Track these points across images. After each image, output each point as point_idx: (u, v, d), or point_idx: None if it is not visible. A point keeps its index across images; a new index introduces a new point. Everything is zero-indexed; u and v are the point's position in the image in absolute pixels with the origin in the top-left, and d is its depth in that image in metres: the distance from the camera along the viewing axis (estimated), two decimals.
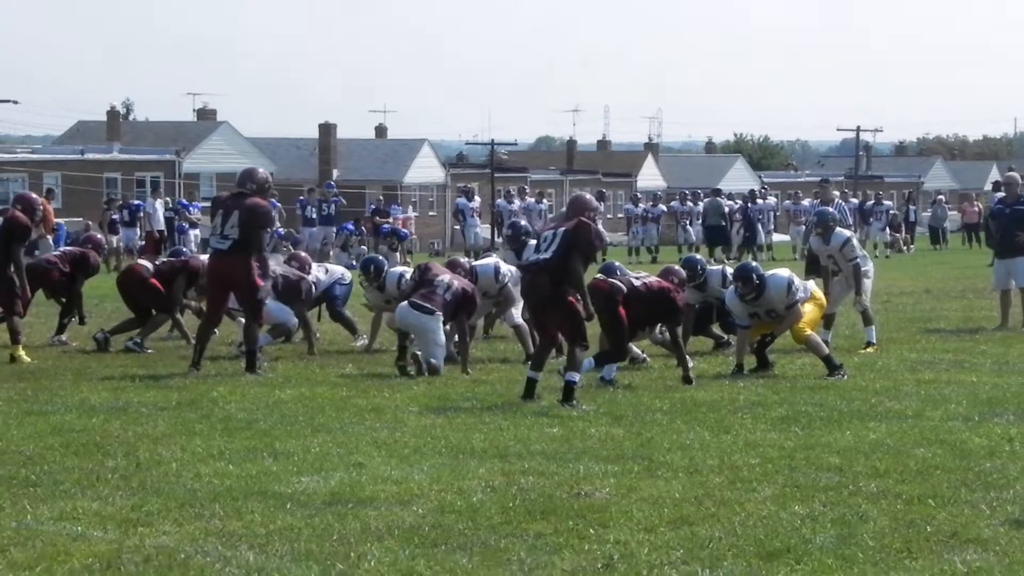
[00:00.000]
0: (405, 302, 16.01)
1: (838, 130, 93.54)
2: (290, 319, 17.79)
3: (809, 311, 15.76)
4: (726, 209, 46.38)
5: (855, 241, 17.78)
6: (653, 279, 15.43)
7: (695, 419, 12.37)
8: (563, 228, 13.73)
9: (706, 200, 48.14)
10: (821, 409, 12.78)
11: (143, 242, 44.35)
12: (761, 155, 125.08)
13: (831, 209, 20.45)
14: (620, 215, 63.80)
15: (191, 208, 45.30)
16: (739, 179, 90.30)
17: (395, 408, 13.09)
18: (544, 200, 51.20)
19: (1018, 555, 7.79)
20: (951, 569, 7.52)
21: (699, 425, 12.05)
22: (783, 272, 15.90)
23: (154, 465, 10.42)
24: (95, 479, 9.90)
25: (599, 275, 15.40)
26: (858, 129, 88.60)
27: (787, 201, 48.58)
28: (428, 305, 15.74)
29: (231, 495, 9.37)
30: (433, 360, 15.61)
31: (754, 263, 16.89)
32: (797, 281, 15.74)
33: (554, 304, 13.66)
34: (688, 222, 49.34)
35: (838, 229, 17.79)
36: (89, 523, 8.61)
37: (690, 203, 49.67)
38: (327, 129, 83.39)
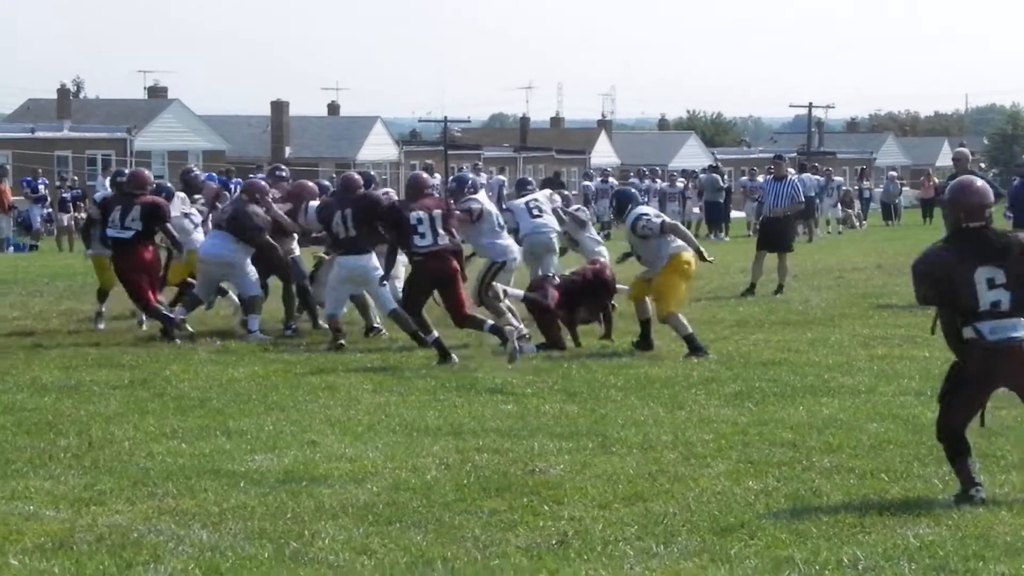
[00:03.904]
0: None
1: (790, 106, 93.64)
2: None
3: (674, 287, 15.39)
4: (723, 185, 46.34)
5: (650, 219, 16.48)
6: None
7: (649, 395, 12.39)
8: (438, 211, 15.15)
9: (703, 176, 48.08)
10: (774, 385, 12.81)
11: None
12: (714, 132, 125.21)
13: (632, 189, 20.04)
14: (575, 192, 63.70)
15: None
16: (692, 156, 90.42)
17: (349, 386, 13.06)
18: (504, 175, 51.31)
19: (970, 529, 7.84)
20: (904, 543, 7.55)
21: (653, 401, 12.07)
22: (642, 208, 15.78)
23: (106, 444, 10.38)
24: (47, 458, 9.85)
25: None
26: (810, 105, 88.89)
27: (743, 178, 48.72)
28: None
29: (184, 474, 9.34)
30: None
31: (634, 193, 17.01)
32: (649, 218, 15.39)
33: (456, 280, 15.08)
34: (646, 199, 49.29)
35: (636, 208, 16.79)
36: (41, 502, 8.58)
37: (648, 180, 49.60)
38: (279, 107, 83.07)
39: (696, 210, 47.74)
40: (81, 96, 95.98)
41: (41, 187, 44.55)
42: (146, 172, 18.08)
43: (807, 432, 10.57)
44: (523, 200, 18.84)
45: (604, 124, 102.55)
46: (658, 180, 50.07)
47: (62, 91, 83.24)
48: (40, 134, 68.48)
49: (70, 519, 8.16)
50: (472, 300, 16.07)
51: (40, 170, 51.06)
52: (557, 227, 18.27)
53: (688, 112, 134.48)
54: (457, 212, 15.99)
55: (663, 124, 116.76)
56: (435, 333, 14.90)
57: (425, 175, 16.30)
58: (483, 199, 17.00)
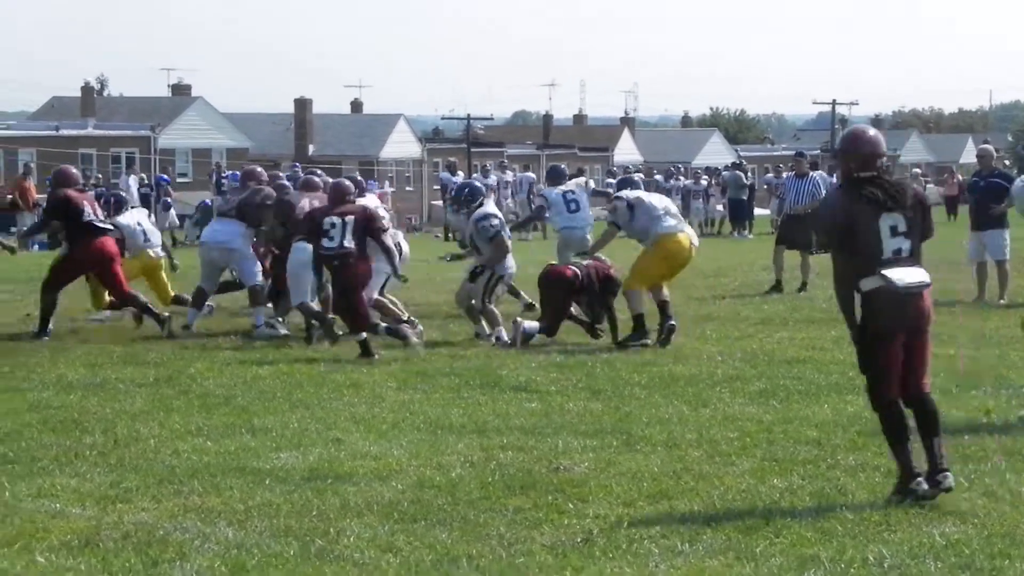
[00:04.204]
0: None
1: (814, 103, 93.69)
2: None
3: (648, 265, 15.61)
4: (747, 182, 46.25)
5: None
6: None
7: (673, 393, 12.38)
8: (351, 216, 15.33)
9: (726, 173, 48.01)
10: (799, 383, 12.79)
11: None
12: (737, 129, 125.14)
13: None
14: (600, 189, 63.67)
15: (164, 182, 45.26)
16: (715, 153, 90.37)
17: (373, 384, 13.08)
18: (529, 171, 51.43)
19: (996, 527, 7.82)
20: (930, 542, 7.54)
21: (677, 399, 12.06)
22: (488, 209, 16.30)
23: (132, 442, 10.40)
24: (73, 456, 9.88)
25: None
26: (834, 102, 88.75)
27: (768, 175, 48.62)
28: None
29: (209, 471, 9.36)
30: None
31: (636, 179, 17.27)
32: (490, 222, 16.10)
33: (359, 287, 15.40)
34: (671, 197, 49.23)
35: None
36: (67, 500, 8.60)
37: (674, 179, 49.47)
38: (303, 104, 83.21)
39: (719, 207, 47.68)
40: (105, 94, 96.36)
41: None
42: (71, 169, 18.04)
43: (832, 430, 10.56)
44: (560, 191, 18.96)
45: (627, 121, 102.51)
46: (681, 178, 50.03)
47: (86, 89, 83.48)
48: (64, 132, 68.71)
49: (96, 517, 8.19)
50: (477, 305, 16.20)
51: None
52: (591, 222, 18.33)
53: (711, 109, 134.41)
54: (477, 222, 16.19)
55: (686, 121, 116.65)
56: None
57: (348, 183, 16.28)
58: (494, 208, 16.98)
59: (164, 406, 11.91)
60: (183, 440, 10.47)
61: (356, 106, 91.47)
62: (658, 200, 16.11)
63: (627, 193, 16.18)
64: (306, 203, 16.87)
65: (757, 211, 48.91)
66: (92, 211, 16.87)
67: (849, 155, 8.45)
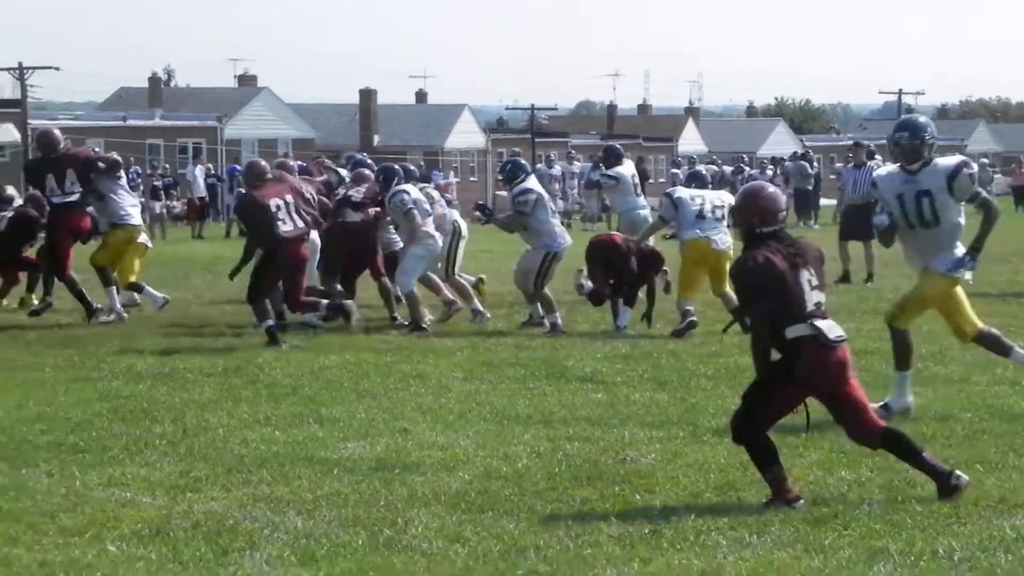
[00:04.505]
0: None
1: (880, 93, 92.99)
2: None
3: (682, 272, 16.00)
4: (812, 172, 46.04)
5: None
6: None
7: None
8: (289, 196, 15.57)
9: (790, 163, 47.80)
10: (866, 374, 12.68)
11: (185, 208, 44.65)
12: (803, 119, 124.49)
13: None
14: (662, 180, 63.44)
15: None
16: (780, 143, 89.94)
17: (439, 374, 13.11)
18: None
19: None
20: (1000, 535, 7.49)
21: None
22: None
23: (201, 431, 10.47)
24: (143, 445, 9.96)
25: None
26: (900, 92, 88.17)
27: (838, 164, 48.34)
28: None
29: (278, 461, 9.42)
30: None
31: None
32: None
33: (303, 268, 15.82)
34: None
35: None
36: (138, 489, 8.67)
37: (741, 170, 49.32)
38: (368, 95, 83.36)
39: (788, 197, 47.53)
40: (172, 85, 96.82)
41: (133, 175, 44.98)
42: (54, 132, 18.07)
43: (900, 422, 10.49)
44: (628, 172, 19.07)
45: (691, 111, 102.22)
46: (746, 168, 49.87)
47: (153, 80, 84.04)
48: (132, 122, 69.13)
49: (166, 506, 8.25)
50: (528, 288, 16.34)
51: (132, 158, 51.54)
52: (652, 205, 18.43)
53: (776, 99, 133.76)
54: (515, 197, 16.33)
55: (751, 111, 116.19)
56: (271, 321, 15.29)
57: (262, 162, 16.61)
58: (535, 184, 17.00)
59: (232, 396, 11.98)
60: (251, 429, 10.53)
61: (421, 96, 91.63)
62: (697, 204, 16.10)
63: (675, 190, 16.61)
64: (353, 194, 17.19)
65: (824, 201, 48.68)
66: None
67: (752, 210, 8.45)
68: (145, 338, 15.73)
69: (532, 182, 16.83)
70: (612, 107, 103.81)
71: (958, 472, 8.31)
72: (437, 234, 17.02)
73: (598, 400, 11.72)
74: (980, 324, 11.14)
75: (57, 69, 69.51)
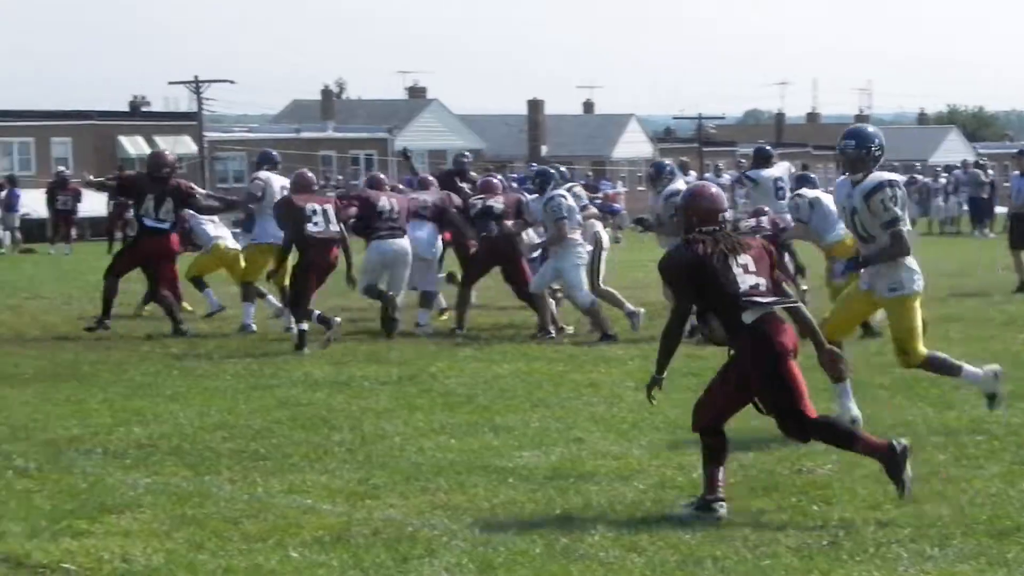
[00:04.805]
0: None
1: None
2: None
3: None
4: (986, 179, 45.32)
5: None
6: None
7: (916, 395, 12.19)
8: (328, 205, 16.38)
9: (959, 172, 47.08)
10: None
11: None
12: (976, 126, 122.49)
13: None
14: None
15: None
16: (953, 150, 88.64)
17: (612, 383, 13.13)
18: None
19: None
20: None
21: (921, 401, 11.88)
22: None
23: (378, 439, 10.60)
24: (322, 453, 10.10)
25: None
26: None
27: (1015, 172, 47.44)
28: None
29: (454, 469, 9.49)
30: None
31: None
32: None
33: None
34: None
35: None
36: (318, 496, 8.79)
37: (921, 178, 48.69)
38: (535, 105, 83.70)
39: (958, 205, 46.77)
40: (344, 97, 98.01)
41: None
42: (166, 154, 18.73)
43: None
44: (769, 174, 19.03)
45: (862, 119, 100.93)
46: (918, 177, 49.19)
47: (326, 92, 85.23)
48: (305, 134, 70.19)
49: (346, 512, 8.36)
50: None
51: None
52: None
53: (948, 106, 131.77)
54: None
55: (923, 119, 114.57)
56: (305, 325, 15.74)
57: (308, 173, 17.24)
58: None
59: (408, 404, 12.10)
60: (427, 438, 10.63)
61: (588, 106, 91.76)
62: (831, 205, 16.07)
63: (808, 191, 16.47)
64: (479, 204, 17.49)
65: (999, 209, 47.84)
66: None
67: (691, 210, 8.61)
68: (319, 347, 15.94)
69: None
70: (780, 115, 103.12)
71: (896, 440, 8.33)
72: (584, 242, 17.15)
73: None
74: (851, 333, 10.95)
75: (232, 82, 70.79)
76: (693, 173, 48.50)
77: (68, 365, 14.70)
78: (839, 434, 8.53)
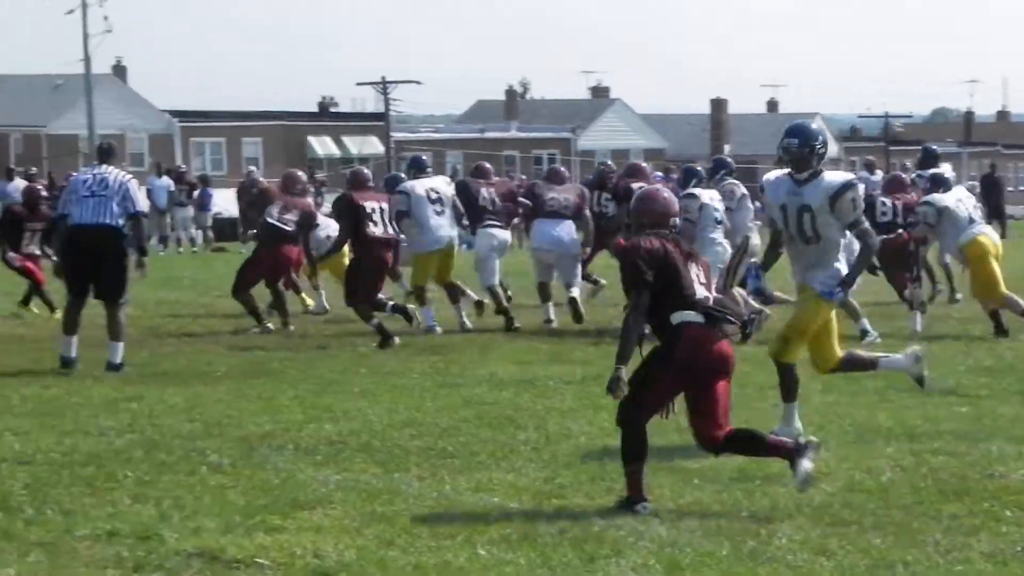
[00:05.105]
0: None
1: None
2: None
3: (976, 274, 16.66)
4: None
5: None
6: None
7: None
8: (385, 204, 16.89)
9: None
10: None
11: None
12: None
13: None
14: (1022, 188, 61.58)
15: None
16: None
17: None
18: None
19: None
20: None
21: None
22: None
23: (563, 438, 10.64)
24: (508, 451, 10.17)
25: None
26: None
27: None
28: None
29: None
30: None
31: None
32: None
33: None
34: None
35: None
36: (505, 494, 8.85)
37: None
38: (719, 104, 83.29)
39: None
40: (527, 97, 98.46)
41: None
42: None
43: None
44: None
45: None
46: None
47: (509, 92, 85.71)
48: (489, 134, 70.69)
49: (533, 511, 8.40)
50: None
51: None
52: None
53: None
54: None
55: None
56: (376, 320, 16.33)
57: (366, 171, 18.20)
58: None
59: (592, 404, 12.12)
60: (612, 438, 10.57)
61: (772, 105, 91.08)
62: (964, 208, 16.56)
63: (937, 198, 16.74)
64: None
65: None
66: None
67: (644, 213, 8.78)
68: (504, 346, 16.05)
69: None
70: (969, 114, 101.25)
71: (804, 439, 8.54)
72: (725, 242, 17.02)
73: (962, 414, 11.47)
74: (839, 353, 10.51)
75: (418, 83, 71.47)
76: (880, 172, 47.91)
77: (259, 362, 14.99)
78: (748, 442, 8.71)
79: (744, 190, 17.81)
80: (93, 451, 10.20)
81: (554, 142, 74.04)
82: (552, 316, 18.24)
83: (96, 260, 14.45)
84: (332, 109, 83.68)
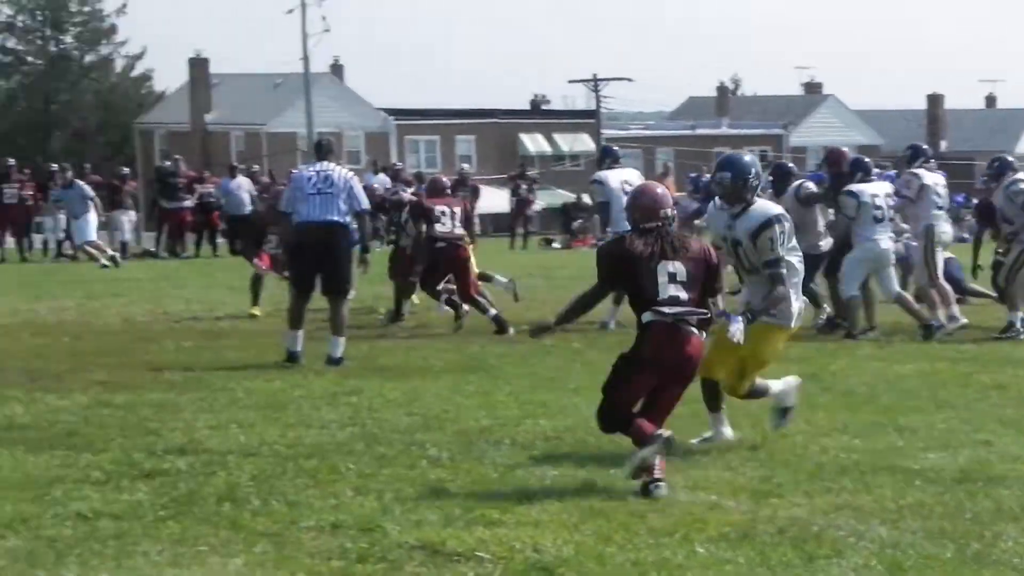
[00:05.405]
0: None
1: None
2: None
3: None
4: None
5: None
6: None
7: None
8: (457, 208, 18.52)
9: None
10: None
11: None
12: None
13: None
14: None
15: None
16: None
17: (1020, 385, 12.78)
18: None
19: None
20: None
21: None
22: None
23: (780, 437, 10.57)
24: (724, 449, 10.15)
25: None
26: None
27: None
28: None
29: (858, 469, 9.41)
30: None
31: None
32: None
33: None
34: None
35: None
36: (721, 492, 8.83)
37: None
38: (935, 100, 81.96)
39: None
40: (739, 93, 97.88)
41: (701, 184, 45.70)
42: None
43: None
44: None
45: None
46: None
47: (721, 89, 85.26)
48: (700, 131, 70.44)
49: (751, 510, 8.38)
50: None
51: (704, 167, 52.48)
52: None
53: None
54: None
55: None
56: (494, 310, 17.87)
57: (444, 179, 19.84)
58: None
59: (809, 402, 12.00)
60: (829, 437, 10.56)
61: (990, 101, 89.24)
62: None
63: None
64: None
65: None
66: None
67: (634, 208, 9.22)
68: None
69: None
70: None
71: (663, 434, 8.82)
72: (883, 238, 16.76)
73: None
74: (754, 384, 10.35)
75: (630, 80, 71.48)
76: None
77: (475, 358, 15.15)
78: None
79: (927, 180, 17.45)
80: (316, 443, 10.42)
81: (766, 138, 73.44)
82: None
83: (323, 256, 14.74)
84: (544, 107, 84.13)
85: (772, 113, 78.18)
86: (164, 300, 22.19)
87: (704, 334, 9.17)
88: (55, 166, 36.87)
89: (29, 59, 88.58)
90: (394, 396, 12.50)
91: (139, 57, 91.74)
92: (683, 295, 8.94)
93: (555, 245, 45.02)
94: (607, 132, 70.42)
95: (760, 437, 10.58)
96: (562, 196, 58.25)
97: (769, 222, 10.01)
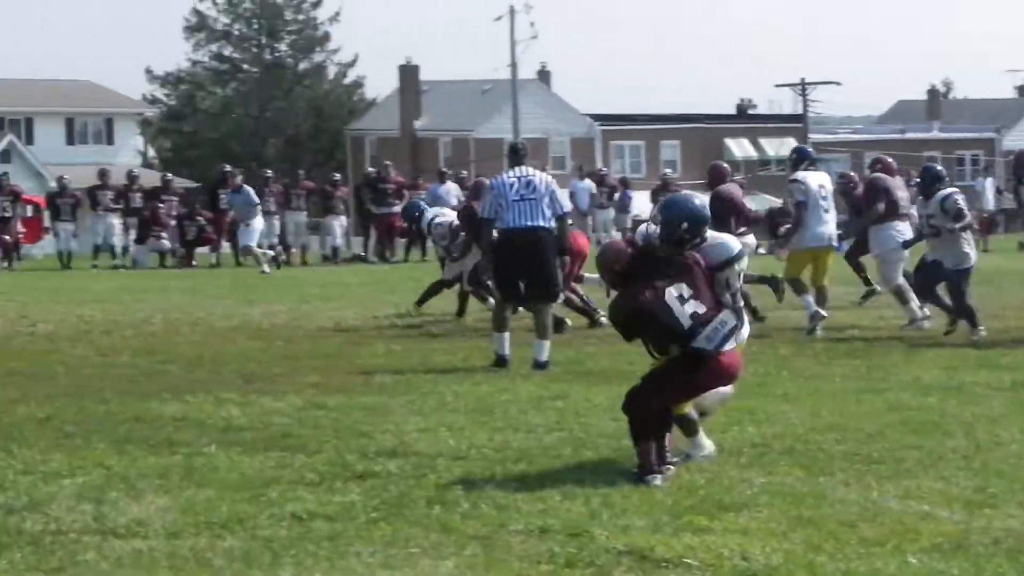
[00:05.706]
0: None
1: None
2: None
3: None
4: None
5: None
6: None
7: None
8: None
9: None
10: None
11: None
12: None
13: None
14: None
15: None
16: None
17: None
18: None
19: None
20: None
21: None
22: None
23: (994, 446, 10.38)
24: (936, 459, 9.98)
25: None
26: None
27: None
28: None
29: None
30: None
31: None
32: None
33: None
34: None
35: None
36: (934, 502, 8.69)
37: None
38: None
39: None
40: (950, 97, 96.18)
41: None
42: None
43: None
44: None
45: None
46: None
47: (931, 92, 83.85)
48: (909, 135, 69.37)
49: (964, 521, 8.23)
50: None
51: (913, 172, 51.66)
52: None
53: None
54: None
55: None
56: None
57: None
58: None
59: (1023, 411, 11.79)
60: None
61: None
62: None
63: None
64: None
65: None
66: None
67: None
68: (928, 351, 15.75)
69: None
70: None
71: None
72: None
73: None
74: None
75: (838, 84, 70.72)
76: None
77: None
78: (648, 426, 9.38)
79: None
80: (523, 447, 10.49)
81: (977, 143, 72.10)
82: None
83: (528, 262, 14.84)
84: (750, 111, 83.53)
85: (984, 117, 76.65)
86: (374, 304, 22.50)
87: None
88: (227, 168, 37.40)
89: (245, 67, 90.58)
90: (600, 401, 12.51)
91: (351, 64, 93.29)
92: (700, 309, 9.23)
93: (760, 251, 44.59)
94: (814, 136, 69.71)
95: (974, 446, 10.39)
96: (768, 201, 57.77)
97: (729, 260, 9.82)
